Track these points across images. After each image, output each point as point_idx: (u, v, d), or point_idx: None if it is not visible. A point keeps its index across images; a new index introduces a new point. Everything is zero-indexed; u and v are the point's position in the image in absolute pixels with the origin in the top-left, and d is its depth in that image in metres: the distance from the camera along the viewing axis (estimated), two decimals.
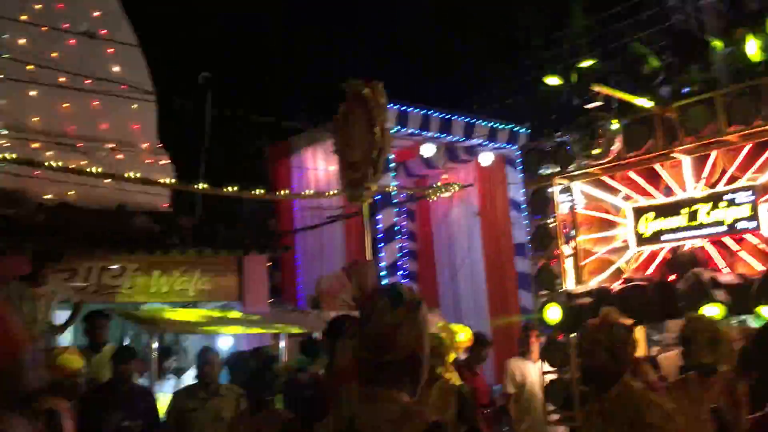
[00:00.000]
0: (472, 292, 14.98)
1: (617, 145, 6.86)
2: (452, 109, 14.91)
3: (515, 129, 15.09)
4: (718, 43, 6.94)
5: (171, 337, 11.61)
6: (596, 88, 6.76)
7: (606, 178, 7.73)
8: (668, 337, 7.33)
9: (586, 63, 7.09)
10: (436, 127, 14.55)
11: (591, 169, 7.48)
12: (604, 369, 3.71)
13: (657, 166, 7.40)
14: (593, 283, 7.64)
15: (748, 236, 6.96)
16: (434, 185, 14.80)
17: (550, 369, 7.71)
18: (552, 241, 7.65)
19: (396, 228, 15.01)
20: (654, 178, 7.54)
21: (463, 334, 7.41)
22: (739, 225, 6.90)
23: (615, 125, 6.82)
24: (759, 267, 6.74)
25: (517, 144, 15.06)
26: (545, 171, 7.71)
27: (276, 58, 17.87)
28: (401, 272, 14.89)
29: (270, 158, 16.37)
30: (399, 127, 14.34)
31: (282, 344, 10.83)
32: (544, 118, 8.32)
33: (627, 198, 7.67)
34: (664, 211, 7.29)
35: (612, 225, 7.85)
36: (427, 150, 14.79)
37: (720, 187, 7.09)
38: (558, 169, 7.61)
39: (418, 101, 14.36)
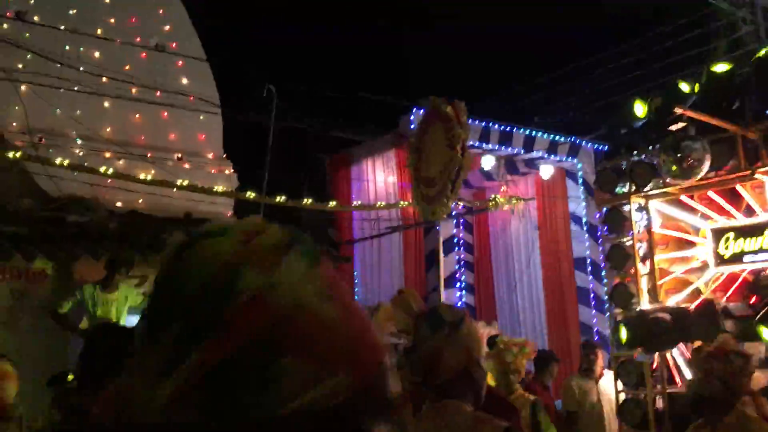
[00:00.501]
0: (530, 306, 14.75)
1: (706, 165, 6.67)
2: (513, 122, 14.73)
3: (577, 142, 14.83)
4: None
5: None
6: (679, 110, 6.58)
7: (684, 198, 7.68)
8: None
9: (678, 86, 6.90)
10: (495, 139, 14.41)
11: (669, 189, 7.44)
12: (716, 397, 3.61)
13: (738, 187, 7.31)
14: (671, 302, 7.55)
15: None
16: (493, 198, 14.66)
17: (622, 388, 7.54)
18: (628, 260, 7.57)
19: (455, 240, 14.89)
20: (735, 199, 7.45)
21: (529, 348, 7.30)
22: None
23: (701, 145, 6.64)
24: None
25: (578, 157, 14.79)
26: (621, 189, 7.51)
27: (340, 69, 17.98)
28: (458, 284, 14.78)
29: (330, 169, 16.40)
30: None
31: None
32: (617, 136, 8.14)
33: (706, 218, 7.51)
34: (745, 232, 7.20)
35: (690, 245, 7.76)
36: (487, 162, 14.63)
37: None
38: (634, 187, 7.46)
39: (478, 113, 14.22)
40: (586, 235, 14.58)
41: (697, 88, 6.99)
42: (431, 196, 6.70)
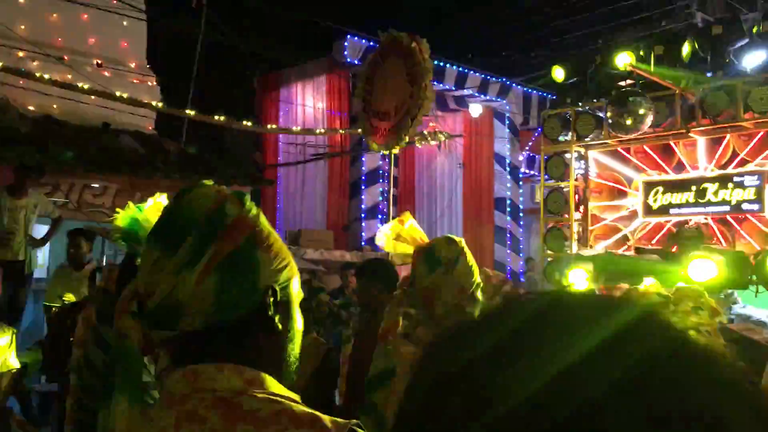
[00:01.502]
0: None
1: (649, 121, 6.87)
2: (445, 57, 14.41)
3: (507, 83, 14.71)
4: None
5: None
6: (629, 67, 6.69)
7: (621, 150, 7.99)
8: None
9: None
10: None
11: (609, 141, 7.67)
12: None
13: (672, 144, 7.65)
14: (599, 248, 7.82)
15: (751, 217, 7.32)
16: (422, 132, 14.46)
17: None
18: (564, 206, 7.62)
19: (379, 171, 14.66)
20: (667, 155, 7.76)
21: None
22: (744, 206, 7.29)
23: (646, 103, 6.97)
24: (757, 246, 7.05)
25: (507, 98, 14.71)
26: (563, 137, 7.61)
27: None
28: (380, 216, 14.63)
29: (259, 88, 15.75)
30: None
31: None
32: (562, 85, 8.08)
33: (639, 170, 7.76)
34: (674, 186, 7.73)
35: (622, 194, 8.09)
36: None
37: (729, 169, 7.41)
38: (576, 137, 7.57)
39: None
40: (509, 176, 14.66)
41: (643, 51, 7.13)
42: (384, 129, 6.45)
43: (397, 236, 2.55)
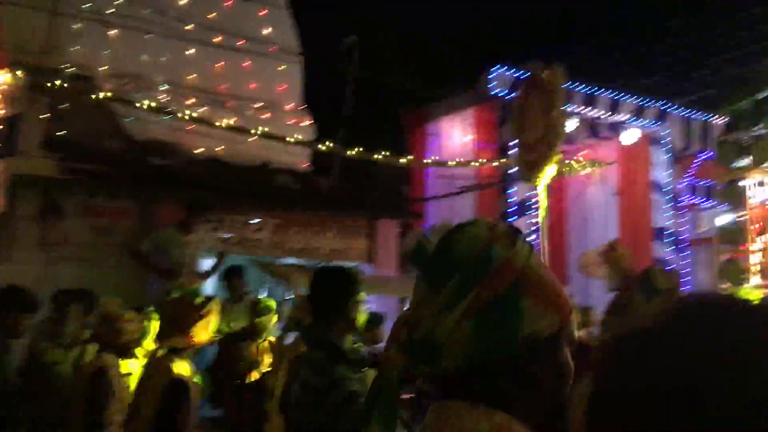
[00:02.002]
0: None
1: None
2: (597, 83, 13.95)
3: (665, 107, 13.96)
4: None
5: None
6: None
7: None
8: None
9: None
10: (579, 101, 13.68)
11: None
12: None
13: None
14: None
15: None
16: (573, 161, 14.06)
17: None
18: (741, 236, 7.07)
19: (528, 203, 14.32)
20: None
21: None
22: None
23: None
24: None
25: (666, 123, 13.95)
26: (739, 164, 7.13)
27: (423, 25, 17.40)
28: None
29: (407, 124, 15.98)
30: None
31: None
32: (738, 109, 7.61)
33: None
34: None
35: None
36: (569, 125, 13.94)
37: None
38: (752, 162, 7.04)
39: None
40: (668, 205, 13.82)
41: None
42: (531, 161, 6.53)
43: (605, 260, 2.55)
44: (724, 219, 13.77)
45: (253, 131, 11.01)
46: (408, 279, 12.79)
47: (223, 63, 12.29)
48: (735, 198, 7.10)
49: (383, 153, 11.87)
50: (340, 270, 3.20)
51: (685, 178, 14.54)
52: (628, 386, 0.70)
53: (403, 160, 11.76)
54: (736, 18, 14.26)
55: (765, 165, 6.91)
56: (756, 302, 0.72)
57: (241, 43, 12.26)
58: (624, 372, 0.72)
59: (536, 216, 14.86)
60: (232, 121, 11.33)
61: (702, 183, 14.77)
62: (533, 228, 14.63)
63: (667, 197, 13.84)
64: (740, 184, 7.20)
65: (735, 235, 6.91)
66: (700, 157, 14.55)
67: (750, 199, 7.05)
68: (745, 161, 7.06)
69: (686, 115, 14.19)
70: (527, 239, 1.19)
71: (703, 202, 14.90)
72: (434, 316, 1.11)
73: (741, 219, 7.02)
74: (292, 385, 3.00)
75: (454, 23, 17.36)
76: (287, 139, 11.25)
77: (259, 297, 8.50)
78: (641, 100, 13.93)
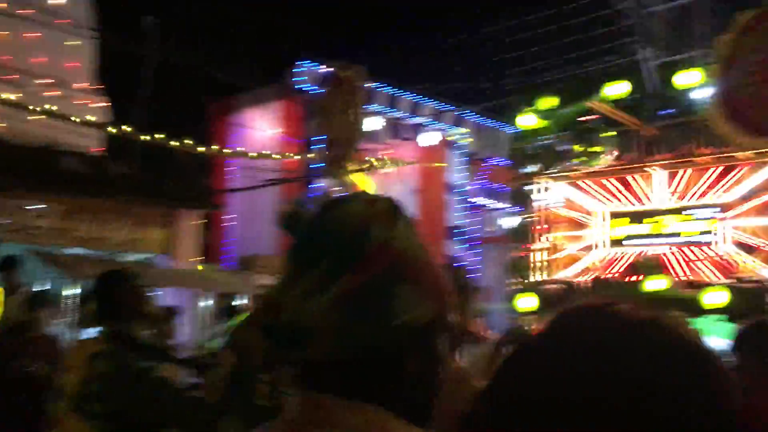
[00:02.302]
0: None
1: (611, 155, 7.44)
2: (401, 85, 14.40)
3: (462, 112, 14.73)
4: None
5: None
6: (593, 104, 6.97)
7: (583, 182, 8.34)
8: None
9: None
10: (382, 101, 14.02)
11: (572, 173, 8.05)
12: None
13: (631, 177, 8.05)
14: (560, 276, 8.23)
15: (706, 249, 7.64)
16: (375, 159, 14.37)
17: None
18: (528, 235, 7.79)
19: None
20: (627, 187, 8.13)
21: None
22: (700, 238, 7.61)
23: (610, 137, 7.40)
24: (712, 277, 7.32)
25: (461, 127, 14.72)
26: (528, 169, 7.87)
27: (232, 14, 16.82)
28: None
29: (211, 113, 15.45)
30: None
31: (210, 303, 10.55)
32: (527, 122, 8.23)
33: (600, 202, 7.93)
34: (633, 218, 8.01)
35: (583, 225, 8.39)
36: (372, 123, 14.27)
37: (686, 202, 7.73)
38: (540, 169, 7.84)
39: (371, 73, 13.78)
40: (461, 204, 14.60)
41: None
42: (334, 158, 6.62)
43: None
44: (513, 220, 14.86)
45: (38, 108, 9.98)
46: (211, 272, 12.35)
47: (6, 33, 11.07)
48: (523, 201, 7.79)
49: (184, 141, 11.33)
50: (120, 271, 3.19)
51: (478, 180, 15.47)
52: (515, 396, 0.76)
53: (201, 149, 11.29)
54: (531, 32, 15.39)
55: (548, 171, 7.63)
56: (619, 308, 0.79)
57: (27, 12, 11.10)
58: (511, 383, 0.78)
59: None
60: (13, 97, 10.22)
61: (494, 186, 15.79)
62: None
63: (461, 198, 14.63)
64: (527, 188, 7.87)
65: (523, 235, 7.56)
66: (492, 161, 15.56)
67: (535, 202, 7.76)
68: (533, 168, 7.76)
69: (480, 121, 15.10)
70: (409, 217, 1.07)
71: (493, 203, 15.94)
72: (301, 299, 0.99)
73: (528, 220, 7.70)
74: (90, 382, 2.86)
75: (265, 16, 17.07)
76: (75, 119, 10.33)
77: (36, 289, 7.74)
78: (440, 104, 14.59)
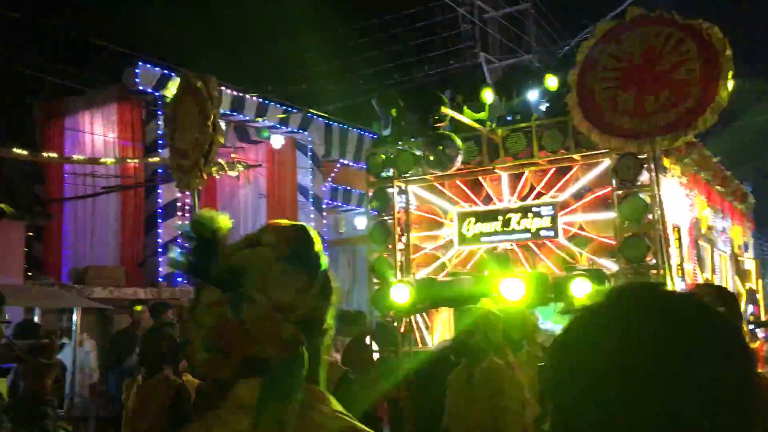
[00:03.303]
0: None
1: (459, 159, 7.76)
2: (245, 87, 14.09)
3: (309, 115, 14.67)
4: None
5: None
6: (445, 111, 7.59)
7: (437, 185, 8.63)
8: None
9: None
10: (227, 105, 13.64)
11: (427, 176, 8.33)
12: (477, 347, 4.58)
13: (480, 179, 8.45)
14: (420, 275, 8.38)
15: (548, 243, 8.19)
16: (219, 162, 13.96)
17: (377, 348, 8.09)
18: (388, 236, 8.31)
19: (177, 204, 13.86)
20: (477, 188, 8.53)
21: None
22: (542, 233, 8.09)
23: (459, 143, 7.70)
24: (554, 267, 7.97)
25: (309, 129, 14.66)
26: (386, 174, 8.43)
27: (62, 11, 15.53)
28: (180, 251, 13.79)
29: (41, 117, 14.24)
30: None
31: (36, 318, 9.95)
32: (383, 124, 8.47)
33: (453, 203, 8.50)
34: (483, 217, 8.31)
35: (439, 225, 8.69)
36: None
37: (529, 201, 8.26)
38: (397, 173, 8.38)
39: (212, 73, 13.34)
40: (312, 207, 14.56)
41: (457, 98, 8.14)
42: (185, 168, 6.37)
43: None
44: (364, 221, 15.12)
45: None
46: (36, 286, 11.40)
47: None
48: (384, 203, 8.16)
49: (7, 146, 10.33)
50: None
51: (327, 182, 15.50)
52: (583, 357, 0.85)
53: (20, 152, 10.36)
54: (377, 35, 15.62)
55: (405, 176, 8.08)
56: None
57: None
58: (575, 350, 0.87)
59: (185, 218, 14.50)
60: None
61: (340, 187, 15.90)
62: (180, 230, 14.23)
63: (311, 200, 14.59)
64: (388, 191, 8.24)
65: (384, 236, 7.96)
66: (340, 163, 15.66)
67: (396, 204, 8.16)
68: (390, 172, 8.14)
69: (328, 123, 15.13)
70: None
71: (342, 205, 16.07)
72: (317, 298, 1.29)
73: (389, 221, 8.10)
74: None
75: (97, 16, 15.96)
76: None
77: None
78: (287, 107, 14.44)
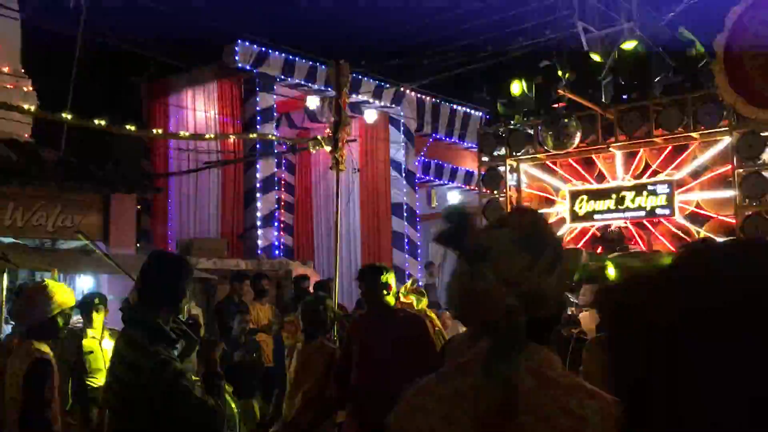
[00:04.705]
0: (347, 247, 14.37)
1: (577, 139, 7.80)
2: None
3: (401, 90, 14.48)
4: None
5: (24, 275, 10.19)
6: (561, 92, 7.70)
7: (549, 163, 8.72)
8: (583, 299, 7.86)
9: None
10: (322, 80, 13.60)
11: (539, 155, 8.44)
12: None
13: (593, 157, 8.47)
14: None
15: (664, 221, 8.10)
16: (315, 137, 13.97)
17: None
18: (500, 213, 8.29)
19: (275, 179, 14.01)
20: (589, 167, 8.54)
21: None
22: (658, 211, 8.00)
23: (575, 123, 7.74)
24: (670, 246, 7.84)
25: (401, 105, 14.49)
26: (498, 152, 8.59)
27: None
28: (276, 223, 14.00)
29: (146, 95, 14.61)
30: (284, 76, 13.32)
31: None
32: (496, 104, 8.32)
33: (565, 181, 8.81)
34: (596, 194, 8.33)
35: (551, 203, 8.76)
36: (312, 102, 13.89)
37: (644, 179, 8.18)
38: (509, 151, 8.47)
39: (308, 50, 13.33)
40: (404, 182, 14.44)
41: (568, 75, 8.05)
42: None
43: None
44: (458, 197, 14.96)
45: None
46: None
47: None
48: (495, 181, 8.17)
49: (116, 124, 10.58)
50: (177, 257, 3.23)
51: (420, 156, 15.33)
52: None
53: (131, 128, 10.59)
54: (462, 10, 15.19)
55: (516, 154, 8.02)
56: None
57: None
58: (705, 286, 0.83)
59: (282, 192, 14.69)
60: None
61: (433, 161, 15.71)
62: (280, 203, 14.43)
63: (404, 174, 14.46)
64: (500, 169, 8.22)
65: (495, 214, 8.02)
66: (433, 137, 15.45)
67: (508, 182, 8.18)
68: (502, 150, 8.11)
69: (420, 97, 14.91)
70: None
71: (435, 180, 15.89)
72: (541, 276, 1.42)
73: (501, 199, 8.16)
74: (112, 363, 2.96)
75: None
76: (11, 105, 9.55)
77: None
78: (380, 82, 14.28)
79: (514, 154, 8.40)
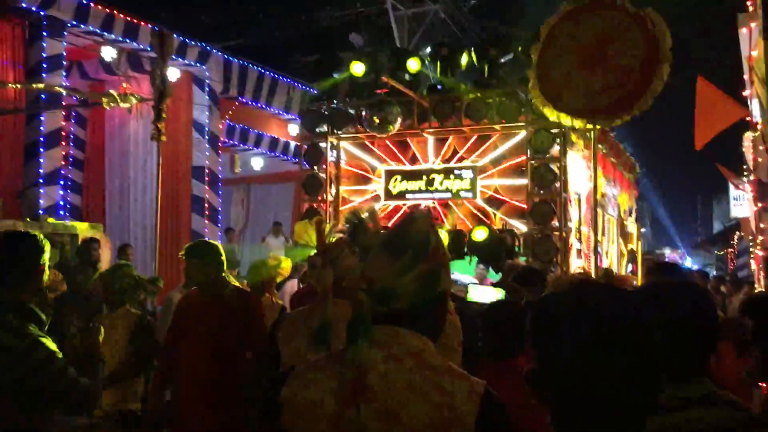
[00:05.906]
0: (141, 209, 13.52)
1: (398, 123, 8.25)
2: (140, 14, 12.96)
3: (208, 48, 13.77)
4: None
5: None
6: (385, 79, 8.16)
7: (367, 142, 9.16)
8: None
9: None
10: (120, 30, 12.54)
11: (359, 134, 8.87)
12: None
13: (408, 140, 9.07)
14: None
15: (466, 203, 8.87)
16: (112, 92, 12.89)
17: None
18: (320, 188, 8.83)
19: (62, 133, 12.71)
20: (404, 148, 9.14)
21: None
22: (462, 194, 8.72)
23: (397, 108, 8.20)
24: (470, 225, 8.55)
25: (207, 64, 13.79)
26: (320, 129, 8.91)
27: None
28: (63, 181, 12.77)
29: None
30: (76, 21, 12.08)
31: None
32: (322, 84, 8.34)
33: (382, 160, 8.80)
34: (409, 175, 8.90)
35: (367, 180, 9.25)
36: (107, 53, 12.75)
37: (452, 164, 8.86)
38: (331, 129, 8.84)
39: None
40: (207, 145, 13.84)
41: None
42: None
43: None
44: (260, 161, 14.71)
45: None
46: None
47: None
48: (316, 157, 8.33)
49: None
50: (28, 235, 3.09)
51: (224, 120, 14.74)
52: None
53: None
54: None
55: (339, 133, 8.24)
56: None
57: None
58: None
59: (71, 148, 13.37)
60: None
61: (238, 126, 15.18)
62: (69, 160, 13.14)
63: (207, 137, 13.84)
64: (321, 145, 8.37)
65: (315, 188, 8.21)
66: (239, 101, 14.89)
67: (328, 159, 8.31)
68: (324, 128, 8.26)
69: (227, 59, 14.29)
70: (439, 233, 1.78)
71: (239, 144, 15.37)
72: (395, 275, 1.62)
73: (321, 174, 8.29)
74: None
75: None
76: None
77: None
78: (184, 38, 13.45)
79: (335, 132, 8.70)
